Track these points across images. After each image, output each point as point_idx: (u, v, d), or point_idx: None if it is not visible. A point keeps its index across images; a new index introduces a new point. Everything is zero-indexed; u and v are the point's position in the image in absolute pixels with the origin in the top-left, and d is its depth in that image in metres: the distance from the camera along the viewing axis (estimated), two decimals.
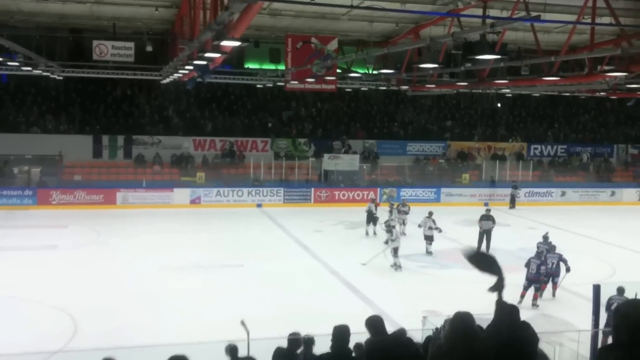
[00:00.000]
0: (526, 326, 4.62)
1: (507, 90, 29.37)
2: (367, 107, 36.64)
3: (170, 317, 13.12)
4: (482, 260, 4.85)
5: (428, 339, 6.77)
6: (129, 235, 22.06)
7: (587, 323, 9.32)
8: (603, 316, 9.34)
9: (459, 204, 30.08)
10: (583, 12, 14.07)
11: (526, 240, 19.79)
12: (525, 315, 4.68)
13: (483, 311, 4.71)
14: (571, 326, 10.82)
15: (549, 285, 15.18)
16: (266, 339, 7.44)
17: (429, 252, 19.88)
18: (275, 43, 23.63)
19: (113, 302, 14.11)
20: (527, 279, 14.66)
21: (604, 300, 8.69)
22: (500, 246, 20.35)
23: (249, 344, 7.53)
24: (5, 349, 9.74)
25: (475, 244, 20.34)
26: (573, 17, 14.70)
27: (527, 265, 14.85)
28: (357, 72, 25.95)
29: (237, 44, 12.39)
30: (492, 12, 14.58)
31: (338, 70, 24.31)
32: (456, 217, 24.46)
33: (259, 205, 29.19)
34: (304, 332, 7.60)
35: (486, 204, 26.63)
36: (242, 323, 7.80)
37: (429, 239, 19.88)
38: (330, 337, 5.96)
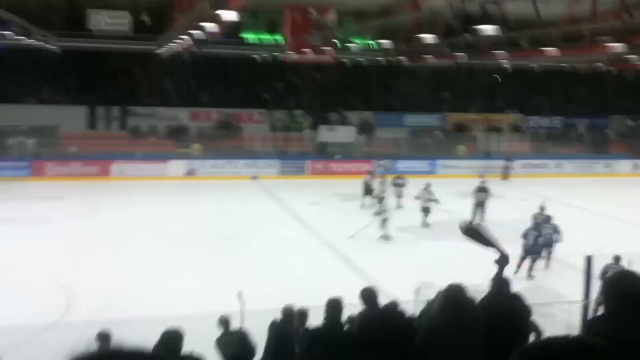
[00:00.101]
0: (518, 298, 4.62)
1: (506, 62, 29.16)
2: (365, 78, 36.40)
3: (164, 290, 13.15)
4: (477, 235, 4.83)
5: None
6: (124, 207, 22.04)
7: (578, 294, 9.36)
8: (595, 287, 9.38)
9: (455, 176, 30.05)
10: None
11: (521, 212, 19.82)
12: (517, 286, 4.68)
13: (476, 283, 4.72)
14: (562, 297, 10.86)
15: (538, 255, 15.22)
16: (259, 311, 7.46)
17: (426, 224, 19.91)
18: (273, 13, 23.37)
19: (108, 275, 14.15)
20: (524, 249, 14.70)
21: (596, 270, 8.72)
22: (495, 218, 20.40)
23: (243, 316, 7.56)
24: None
25: (469, 216, 20.46)
26: None
27: (525, 236, 14.87)
28: (355, 44, 25.71)
29: (234, 14, 12.25)
30: None
31: (336, 43, 24.07)
32: (452, 189, 24.45)
33: (254, 177, 29.16)
34: (297, 304, 7.62)
35: (481, 176, 26.61)
36: (239, 295, 7.83)
37: (426, 210, 19.89)
38: (323, 310, 5.97)
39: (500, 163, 31.28)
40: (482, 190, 20.58)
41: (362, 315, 5.44)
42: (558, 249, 15.32)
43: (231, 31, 26.18)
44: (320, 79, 35.85)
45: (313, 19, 21.37)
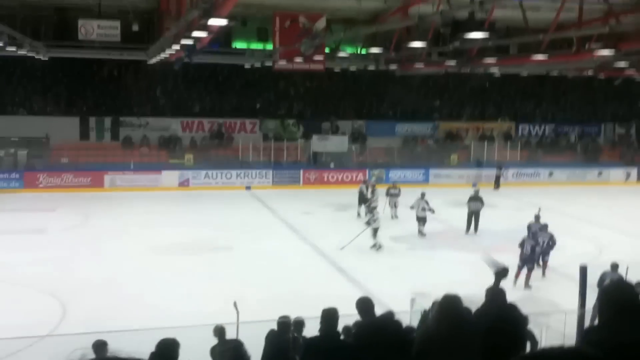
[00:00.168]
0: (514, 308, 4.64)
1: (496, 70, 29.31)
2: (356, 87, 36.47)
3: (158, 301, 13.10)
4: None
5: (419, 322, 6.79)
6: (117, 218, 21.96)
7: (573, 304, 9.37)
8: (590, 296, 9.39)
9: (448, 185, 30.12)
10: None
11: (514, 221, 19.87)
12: (512, 296, 4.69)
13: (471, 293, 4.73)
14: (558, 307, 10.90)
15: (535, 264, 15.24)
16: (255, 321, 7.45)
17: (422, 234, 19.88)
18: (263, 21, 23.39)
19: (102, 286, 14.09)
20: (521, 259, 14.68)
21: (590, 280, 8.73)
22: (488, 227, 20.47)
23: (238, 326, 7.54)
24: None
25: (464, 225, 20.49)
26: None
27: (522, 245, 14.83)
28: (346, 52, 25.78)
29: (224, 22, 12.27)
30: None
31: (326, 50, 24.12)
32: (445, 198, 24.51)
33: (247, 188, 29.12)
34: (292, 314, 7.61)
35: (474, 185, 26.69)
36: (235, 305, 7.81)
37: (421, 220, 19.85)
38: (319, 320, 5.96)
39: (492, 172, 31.37)
40: (475, 199, 20.59)
41: (358, 324, 5.44)
42: (553, 258, 15.35)
43: (222, 40, 26.23)
44: (311, 87, 35.91)
45: (303, 26, 21.39)
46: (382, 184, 26.14)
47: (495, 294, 4.48)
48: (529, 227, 16.02)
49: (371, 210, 18.63)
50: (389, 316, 5.87)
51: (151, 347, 6.04)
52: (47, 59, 28.57)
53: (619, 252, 14.40)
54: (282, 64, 24.47)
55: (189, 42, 16.02)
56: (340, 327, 5.94)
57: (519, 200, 26.30)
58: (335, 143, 32.07)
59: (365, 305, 5.65)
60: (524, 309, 4.57)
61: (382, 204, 22.03)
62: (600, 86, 37.89)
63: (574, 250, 16.70)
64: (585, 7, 15.68)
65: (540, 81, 36.75)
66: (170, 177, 28.70)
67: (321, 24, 21.37)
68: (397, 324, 5.53)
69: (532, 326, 5.98)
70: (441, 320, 4.16)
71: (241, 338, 7.63)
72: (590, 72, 27.92)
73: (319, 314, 5.96)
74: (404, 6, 19.59)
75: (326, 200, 25.91)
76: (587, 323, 8.08)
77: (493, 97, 38.45)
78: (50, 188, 26.90)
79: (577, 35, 17.59)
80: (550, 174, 33.06)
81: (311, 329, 6.38)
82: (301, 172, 30.56)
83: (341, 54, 25.45)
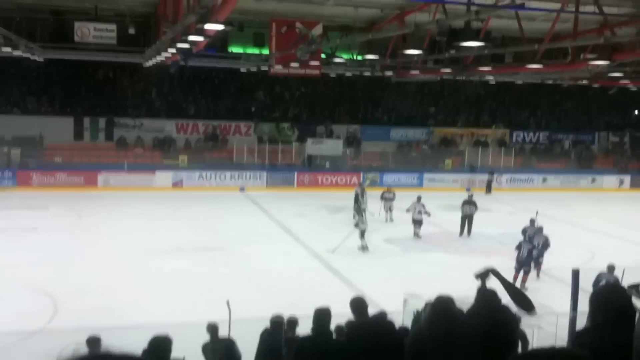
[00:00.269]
0: (506, 309, 4.69)
1: (491, 78, 29.47)
2: (351, 92, 36.58)
3: (151, 300, 13.12)
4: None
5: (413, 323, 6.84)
6: (111, 218, 21.94)
7: (565, 307, 9.44)
8: (582, 300, 9.46)
9: (441, 189, 30.25)
10: (567, 0, 14.12)
11: (507, 226, 19.97)
12: (505, 298, 4.74)
13: (464, 295, 4.77)
14: (550, 310, 10.94)
15: (532, 266, 15.37)
16: (247, 320, 7.48)
17: (417, 236, 20.00)
18: (259, 27, 23.45)
19: (94, 284, 14.07)
20: (518, 262, 14.85)
21: (583, 284, 8.80)
22: (482, 231, 20.59)
23: (230, 325, 7.57)
24: None
25: (458, 229, 20.61)
26: (557, 5, 14.75)
27: (518, 248, 15.03)
28: (342, 58, 25.85)
29: (220, 27, 12.32)
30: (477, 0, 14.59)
31: (322, 56, 24.20)
32: (438, 202, 24.60)
33: (241, 189, 29.14)
34: (285, 314, 7.65)
35: (468, 189, 26.84)
36: (227, 304, 7.85)
37: (417, 223, 19.99)
38: (311, 320, 6.00)
39: (485, 177, 31.54)
40: (469, 203, 20.74)
41: (350, 324, 5.48)
42: (546, 262, 15.50)
43: (218, 44, 26.27)
44: (307, 92, 35.99)
45: (299, 33, 21.47)
46: (376, 187, 26.26)
47: (485, 294, 4.52)
48: (525, 231, 16.16)
49: (359, 212, 18.76)
50: (381, 317, 5.92)
51: (143, 344, 6.06)
52: (42, 60, 28.57)
53: (611, 257, 14.47)
54: (278, 68, 24.53)
55: (185, 46, 16.04)
56: (332, 327, 5.99)
57: (513, 206, 26.43)
58: (330, 147, 32.16)
59: (359, 305, 5.69)
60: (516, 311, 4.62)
61: (377, 207, 22.10)
62: (594, 95, 38.14)
63: (566, 254, 16.79)
64: (580, 18, 15.81)
65: (535, 89, 36.94)
66: (163, 177, 28.70)
67: (317, 30, 21.44)
68: (389, 324, 5.57)
69: (523, 327, 6.04)
70: (434, 322, 4.20)
71: (233, 337, 7.66)
72: (585, 82, 28.10)
73: (311, 313, 6.00)
74: (400, 14, 19.70)
75: (320, 202, 25.96)
76: (579, 326, 8.14)
77: (488, 104, 38.64)
78: (43, 187, 26.86)
79: (572, 45, 17.72)
80: (544, 180, 33.23)
81: (304, 329, 6.42)
82: (295, 174, 30.62)
83: (337, 60, 25.54)
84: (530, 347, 5.83)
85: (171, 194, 27.67)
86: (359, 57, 25.06)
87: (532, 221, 16.58)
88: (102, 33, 21.16)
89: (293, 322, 7.42)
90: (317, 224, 22.20)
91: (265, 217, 23.34)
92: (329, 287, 14.26)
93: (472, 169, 33.02)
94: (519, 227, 16.86)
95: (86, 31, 21.00)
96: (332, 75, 30.63)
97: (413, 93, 37.31)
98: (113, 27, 21.22)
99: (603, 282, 11.15)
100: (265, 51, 23.83)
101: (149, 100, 33.15)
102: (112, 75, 33.28)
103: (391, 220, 22.29)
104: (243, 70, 31.71)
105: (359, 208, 19.08)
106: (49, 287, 13.61)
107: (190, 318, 9.08)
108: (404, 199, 21.02)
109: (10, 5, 22.04)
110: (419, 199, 20.18)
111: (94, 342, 6.66)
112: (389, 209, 22.54)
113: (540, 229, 15.90)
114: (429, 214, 19.91)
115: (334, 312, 5.96)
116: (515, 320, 4.55)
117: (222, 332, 7.69)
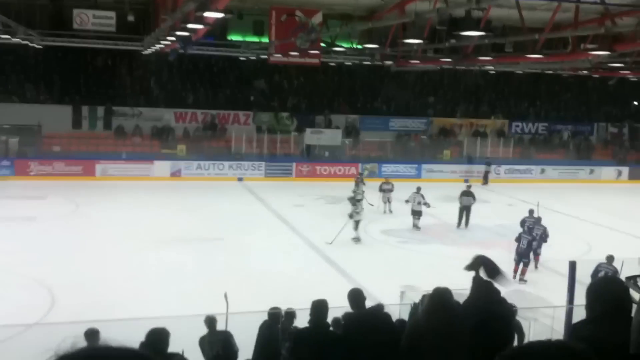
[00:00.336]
0: (502, 301, 4.68)
1: (491, 68, 29.38)
2: (351, 82, 36.48)
3: (148, 291, 13.10)
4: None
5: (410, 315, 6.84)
6: (109, 207, 21.89)
7: (562, 299, 9.44)
8: (580, 291, 9.46)
9: (440, 180, 30.21)
10: None
11: (505, 217, 19.98)
12: (503, 289, 4.72)
13: (461, 286, 4.76)
14: (546, 302, 10.97)
15: (531, 257, 15.39)
16: (245, 312, 7.46)
17: (417, 227, 19.99)
18: (259, 15, 23.34)
19: (92, 275, 14.06)
20: (518, 253, 14.87)
21: (579, 276, 8.80)
22: (480, 222, 20.58)
23: (228, 317, 7.55)
24: None
25: (456, 220, 20.61)
26: None
27: (518, 240, 15.06)
28: (342, 47, 25.75)
29: (220, 15, 12.24)
30: None
31: (322, 44, 24.11)
32: (436, 192, 24.59)
33: (240, 179, 29.11)
34: (283, 306, 7.63)
35: (466, 180, 26.83)
36: (225, 296, 7.83)
37: (417, 214, 19.98)
38: (308, 312, 5.99)
39: (482, 168, 31.54)
40: (467, 194, 20.72)
41: (347, 316, 5.47)
42: (543, 253, 15.52)
43: (217, 32, 26.16)
44: (306, 82, 35.88)
45: (299, 21, 21.37)
46: (374, 178, 26.23)
47: (480, 284, 4.51)
48: (523, 222, 16.18)
49: (354, 203, 18.71)
50: (378, 309, 5.92)
51: (141, 337, 6.05)
52: (41, 47, 28.45)
53: (608, 249, 14.49)
54: (277, 57, 24.45)
55: (185, 34, 15.96)
56: (329, 319, 5.98)
57: (511, 197, 26.42)
58: (329, 137, 32.09)
59: (356, 296, 5.69)
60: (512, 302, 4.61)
61: (375, 199, 22.08)
62: (594, 86, 38.09)
63: (564, 246, 16.80)
64: (581, 8, 15.74)
65: (535, 80, 36.89)
66: (162, 167, 28.64)
67: (317, 19, 21.36)
68: (386, 316, 5.57)
69: (519, 319, 6.03)
70: (431, 314, 4.20)
71: (231, 329, 7.64)
72: (584, 72, 28.02)
73: (309, 305, 6.00)
74: (400, 3, 19.58)
75: (318, 192, 25.94)
76: (575, 318, 8.14)
77: (487, 94, 38.54)
78: (41, 176, 26.79)
79: (573, 35, 17.64)
80: (542, 171, 33.22)
81: (301, 320, 6.41)
82: (294, 164, 30.57)
83: (337, 49, 25.45)
84: (526, 340, 5.81)
85: (169, 183, 27.63)
86: (359, 46, 24.96)
87: (531, 212, 16.60)
88: (101, 20, 21.08)
89: (291, 315, 7.41)
90: (316, 214, 22.19)
91: (264, 208, 23.33)
92: (326, 278, 14.28)
93: (470, 160, 33.00)
94: (516, 218, 16.87)
95: (85, 18, 20.91)
96: (332, 64, 30.53)
97: (412, 83, 37.23)
98: (112, 14, 21.14)
99: (602, 274, 11.16)
100: (265, 39, 23.74)
101: (147, 89, 33.03)
102: (111, 63, 33.14)
103: (390, 211, 22.28)
104: (242, 58, 31.62)
105: (353, 198, 19.05)
106: (47, 278, 13.59)
107: (188, 310, 9.06)
108: (402, 190, 20.99)
109: None
110: (418, 189, 20.15)
111: (92, 334, 6.64)
112: (387, 201, 22.51)
113: (539, 220, 15.96)
114: (428, 205, 19.89)
115: (331, 304, 5.95)
116: (512, 312, 4.55)
117: (219, 325, 7.67)
